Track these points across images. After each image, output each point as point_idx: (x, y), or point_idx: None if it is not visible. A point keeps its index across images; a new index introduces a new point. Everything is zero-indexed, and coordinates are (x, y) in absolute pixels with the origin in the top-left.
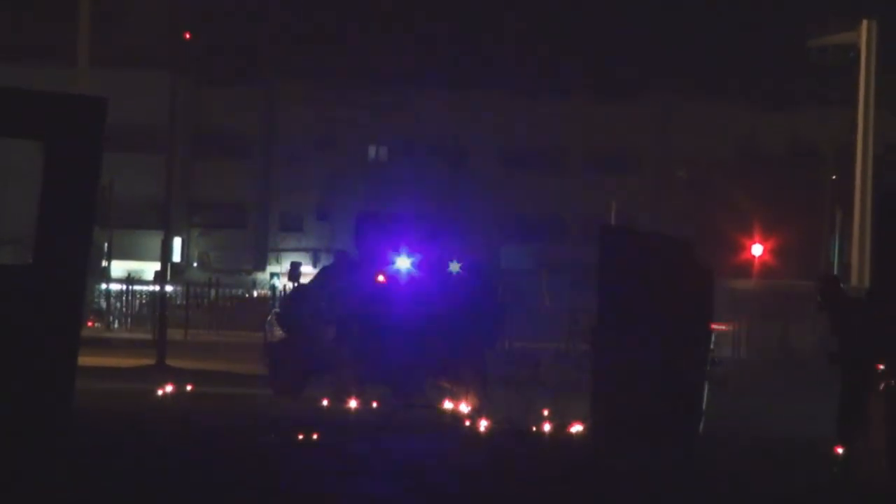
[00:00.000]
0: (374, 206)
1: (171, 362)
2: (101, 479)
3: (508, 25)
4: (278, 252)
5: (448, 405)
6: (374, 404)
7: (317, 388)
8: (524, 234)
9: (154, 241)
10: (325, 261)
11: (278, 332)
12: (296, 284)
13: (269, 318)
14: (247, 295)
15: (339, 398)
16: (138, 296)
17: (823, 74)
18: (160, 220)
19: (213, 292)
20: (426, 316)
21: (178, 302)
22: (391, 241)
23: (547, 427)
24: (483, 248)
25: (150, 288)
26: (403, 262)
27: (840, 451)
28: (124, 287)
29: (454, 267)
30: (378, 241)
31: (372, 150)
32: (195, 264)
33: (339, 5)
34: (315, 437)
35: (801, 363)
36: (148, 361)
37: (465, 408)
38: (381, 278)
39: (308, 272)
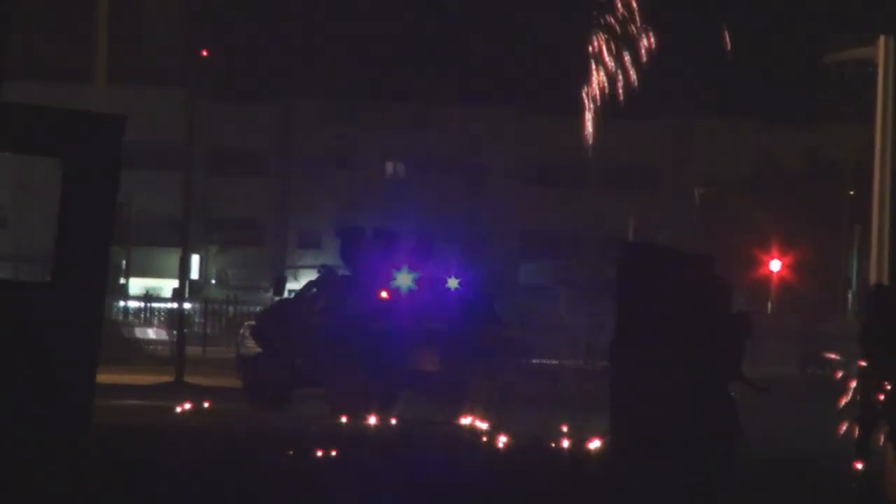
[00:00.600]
0: (392, 224)
1: (190, 379)
2: (120, 497)
3: (526, 42)
4: (296, 269)
5: (465, 421)
6: (393, 420)
7: (293, 402)
8: (543, 251)
9: (172, 258)
10: None
11: (251, 345)
12: (277, 299)
13: (241, 330)
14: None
15: (338, 411)
16: (157, 313)
17: (841, 90)
18: (178, 237)
19: (231, 309)
20: (413, 332)
21: (197, 319)
22: (377, 257)
23: (566, 443)
24: (501, 265)
25: (169, 305)
26: (398, 278)
27: (859, 466)
28: (142, 304)
29: (451, 283)
30: (364, 256)
31: (389, 167)
32: (213, 281)
33: (356, 23)
34: (334, 453)
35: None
36: (166, 378)
37: (482, 424)
38: (384, 294)
39: None
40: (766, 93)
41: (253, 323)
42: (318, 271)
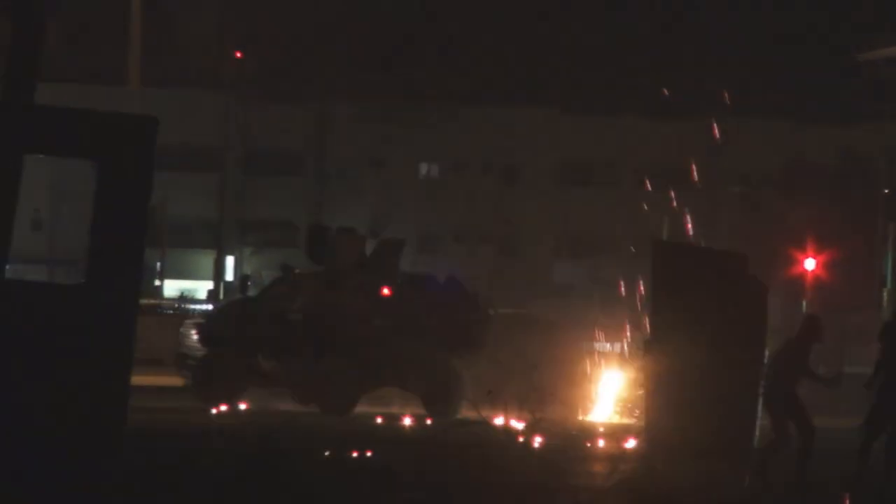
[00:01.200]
0: (427, 224)
1: None
2: (155, 499)
3: (559, 42)
4: None
5: (499, 420)
6: (428, 421)
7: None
8: (578, 250)
9: (207, 260)
10: None
11: (195, 344)
12: (232, 298)
13: (182, 328)
14: None
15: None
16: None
17: (875, 88)
18: (213, 238)
19: None
20: (377, 327)
21: None
22: (344, 254)
23: (601, 442)
24: (536, 265)
25: (203, 307)
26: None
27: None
28: (177, 306)
29: (439, 279)
30: (328, 254)
31: (423, 168)
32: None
33: (390, 23)
34: (369, 453)
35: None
36: None
37: (517, 424)
38: (385, 291)
39: None
40: (800, 90)
41: (201, 321)
42: (280, 269)
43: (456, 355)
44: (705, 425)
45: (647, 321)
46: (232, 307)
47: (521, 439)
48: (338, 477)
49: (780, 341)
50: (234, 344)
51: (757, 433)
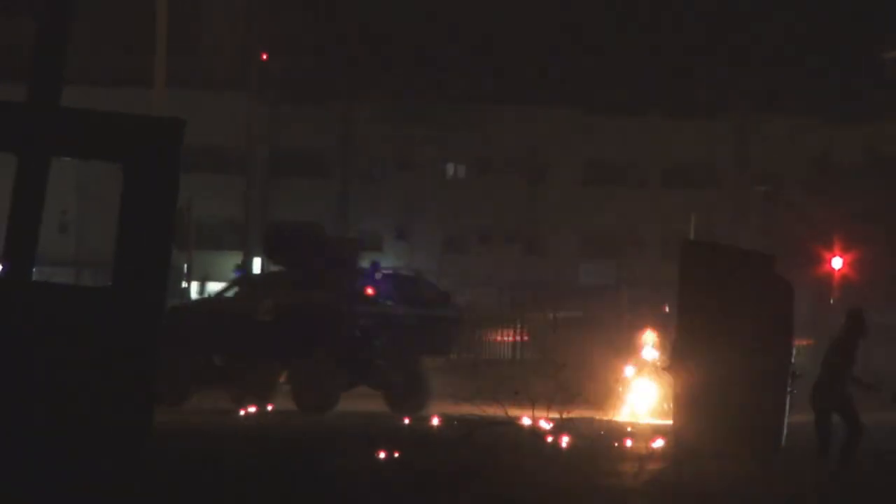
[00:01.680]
0: (453, 224)
1: None
2: (184, 499)
3: (585, 42)
4: None
5: (527, 420)
6: (455, 422)
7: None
8: (603, 250)
9: (234, 261)
10: None
11: None
12: (184, 299)
13: None
14: None
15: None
16: None
17: None
18: (239, 240)
19: None
20: (345, 326)
21: None
22: (303, 254)
23: (629, 442)
24: (561, 265)
25: None
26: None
27: None
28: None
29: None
30: (290, 252)
31: (450, 168)
32: None
33: (415, 24)
34: (396, 454)
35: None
36: None
37: (545, 424)
38: (364, 290)
39: None
40: (825, 89)
41: None
42: (235, 272)
43: (426, 354)
44: (733, 424)
45: (674, 321)
46: (182, 308)
47: (549, 439)
48: (362, 476)
49: (827, 341)
50: (184, 345)
51: (785, 432)
